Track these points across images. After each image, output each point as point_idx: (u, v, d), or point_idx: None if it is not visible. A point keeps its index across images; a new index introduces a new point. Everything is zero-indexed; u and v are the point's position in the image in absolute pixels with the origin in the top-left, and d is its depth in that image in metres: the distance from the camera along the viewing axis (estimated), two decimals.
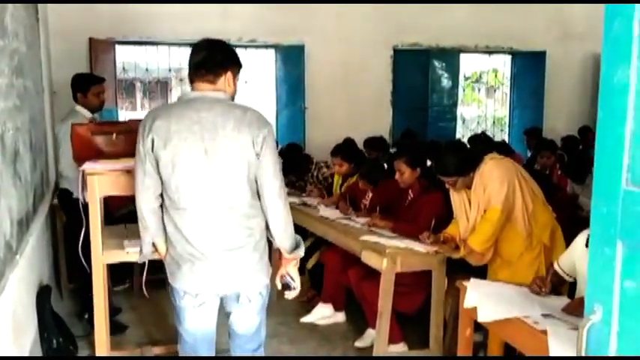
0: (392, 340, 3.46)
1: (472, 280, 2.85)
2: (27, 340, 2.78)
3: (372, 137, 6.07)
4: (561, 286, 2.83)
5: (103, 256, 2.74)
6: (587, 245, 2.00)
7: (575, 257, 2.72)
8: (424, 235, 3.52)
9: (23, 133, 2.98)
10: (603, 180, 1.36)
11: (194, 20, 6.09)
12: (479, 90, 9.52)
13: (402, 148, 5.26)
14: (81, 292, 4.00)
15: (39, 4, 4.27)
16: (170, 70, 6.89)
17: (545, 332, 2.21)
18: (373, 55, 7.02)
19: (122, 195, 2.76)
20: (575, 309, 2.35)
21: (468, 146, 5.13)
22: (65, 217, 4.16)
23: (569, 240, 2.92)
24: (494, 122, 8.33)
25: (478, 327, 2.85)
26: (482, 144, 5.33)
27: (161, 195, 2.25)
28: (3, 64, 2.48)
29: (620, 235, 1.32)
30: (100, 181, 2.68)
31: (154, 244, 2.36)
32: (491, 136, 7.33)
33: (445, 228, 3.54)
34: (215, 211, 2.18)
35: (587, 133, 6.59)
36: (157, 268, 2.63)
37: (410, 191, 3.93)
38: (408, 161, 3.84)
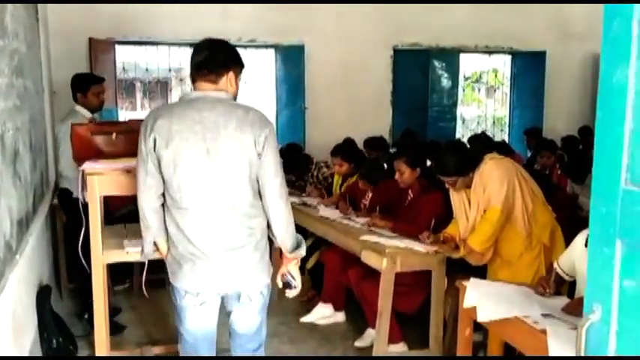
0: (392, 340, 3.46)
1: (472, 279, 2.85)
2: (27, 340, 2.78)
3: (372, 137, 6.07)
4: (561, 286, 2.83)
5: (102, 255, 2.74)
6: (586, 245, 2.00)
7: (574, 257, 2.72)
8: (424, 235, 3.52)
9: (23, 133, 2.98)
10: (602, 179, 1.36)
11: (194, 20, 6.08)
12: (479, 90, 9.51)
13: (401, 148, 5.26)
14: (81, 292, 4.00)
15: (39, 4, 4.27)
16: (170, 70, 6.89)
17: (544, 332, 2.21)
18: (373, 55, 7.02)
19: (122, 195, 2.77)
20: (575, 309, 2.35)
21: (468, 146, 5.13)
22: (65, 217, 4.16)
23: (569, 240, 2.93)
24: (494, 122, 8.33)
25: (478, 327, 2.85)
26: (482, 144, 5.33)
27: (163, 194, 2.25)
28: (3, 64, 2.48)
29: (619, 234, 1.32)
30: (100, 181, 2.69)
31: (155, 244, 2.36)
32: (491, 136, 7.32)
33: (445, 228, 3.54)
34: (216, 211, 2.18)
35: (587, 133, 6.60)
36: (156, 267, 2.64)
37: (410, 191, 3.93)
38: (407, 161, 3.85)
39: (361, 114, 6.91)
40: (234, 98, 2.28)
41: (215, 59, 2.21)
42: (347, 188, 4.72)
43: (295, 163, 5.31)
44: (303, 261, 3.52)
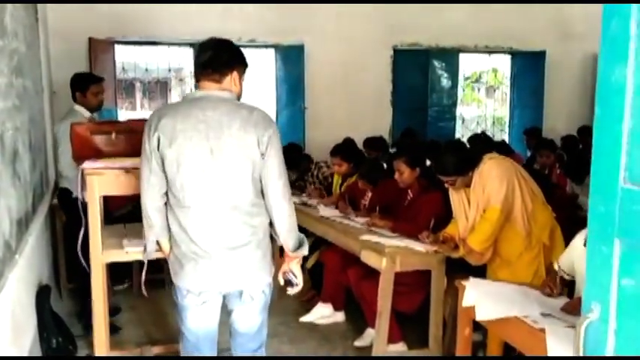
0: (391, 340, 3.46)
1: (471, 279, 2.85)
2: (26, 339, 2.78)
3: (372, 137, 6.07)
4: (565, 286, 2.83)
5: (102, 255, 2.74)
6: (585, 245, 2.00)
7: (573, 257, 2.72)
8: (423, 234, 3.52)
9: (22, 132, 2.97)
10: (601, 178, 1.36)
11: (194, 20, 6.09)
12: (478, 90, 9.51)
13: (401, 147, 5.26)
14: (80, 292, 4.00)
15: (38, 4, 4.27)
16: (170, 70, 6.90)
17: (544, 331, 2.22)
18: (373, 55, 7.02)
19: (122, 195, 2.77)
20: (574, 308, 2.35)
21: (468, 146, 5.13)
22: (65, 217, 4.16)
23: (568, 239, 2.93)
24: (493, 122, 8.32)
25: (477, 326, 2.85)
26: (482, 144, 5.33)
27: (166, 193, 2.26)
28: (2, 64, 2.48)
29: (617, 233, 1.32)
30: (100, 181, 2.69)
31: (157, 243, 2.36)
32: (491, 135, 7.32)
33: (444, 227, 3.54)
34: (219, 210, 2.19)
35: (586, 133, 6.59)
36: (156, 267, 2.64)
37: (409, 191, 3.94)
38: (407, 161, 3.85)
39: (361, 114, 6.91)
40: (238, 98, 2.29)
41: (219, 59, 2.23)
42: (347, 188, 4.72)
43: (295, 162, 5.32)
44: (303, 260, 3.52)
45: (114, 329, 3.88)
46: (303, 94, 6.79)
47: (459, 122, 7.85)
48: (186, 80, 7.91)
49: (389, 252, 3.32)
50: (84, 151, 2.94)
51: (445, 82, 7.50)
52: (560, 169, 5.33)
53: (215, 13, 6.20)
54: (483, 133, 7.13)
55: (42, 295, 3.15)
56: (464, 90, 8.43)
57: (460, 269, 3.35)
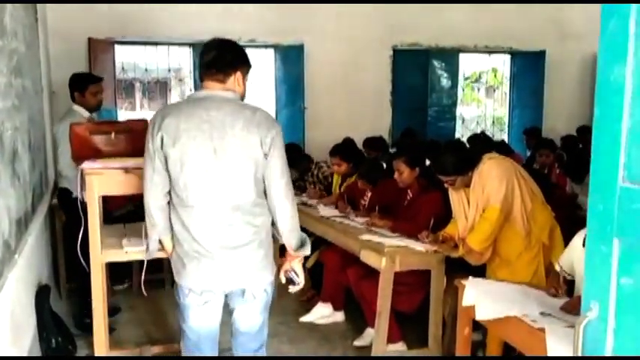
0: (391, 340, 3.46)
1: (471, 278, 2.85)
2: (26, 339, 2.78)
3: (372, 137, 6.07)
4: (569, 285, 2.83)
5: (101, 255, 2.75)
6: (584, 245, 2.01)
7: (573, 257, 2.73)
8: (423, 234, 3.52)
9: (22, 132, 2.98)
10: (600, 177, 1.36)
11: (193, 20, 6.09)
12: (478, 90, 9.52)
13: (401, 147, 5.26)
14: (79, 292, 4.00)
15: (38, 4, 4.27)
16: (169, 70, 6.89)
17: (543, 330, 2.21)
18: (373, 55, 7.02)
19: (121, 194, 2.77)
20: (574, 307, 2.35)
21: (468, 146, 5.14)
22: (64, 217, 4.16)
23: (568, 239, 2.93)
24: (493, 122, 8.33)
25: (477, 326, 2.85)
26: (482, 144, 5.33)
27: (169, 192, 2.26)
28: (2, 64, 2.48)
29: (616, 232, 1.32)
30: (99, 180, 2.69)
31: (160, 242, 2.37)
32: (491, 135, 7.33)
33: (444, 227, 3.55)
34: (222, 209, 2.20)
35: (585, 133, 6.59)
36: (156, 267, 2.64)
37: (409, 191, 3.94)
38: (407, 161, 3.85)
39: (361, 114, 6.91)
40: (242, 98, 2.30)
41: (223, 59, 2.24)
42: (346, 188, 4.72)
43: (296, 162, 5.32)
44: (304, 260, 3.53)
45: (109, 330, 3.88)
46: (302, 94, 6.79)
47: (458, 122, 7.85)
48: (186, 80, 7.92)
49: (388, 252, 3.32)
50: (83, 151, 2.94)
51: (445, 82, 7.50)
52: (559, 169, 5.33)
53: (215, 13, 6.20)
54: (483, 133, 7.13)
55: (41, 295, 3.15)
56: (464, 90, 8.43)
57: (460, 269, 3.35)
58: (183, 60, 6.69)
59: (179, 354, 2.49)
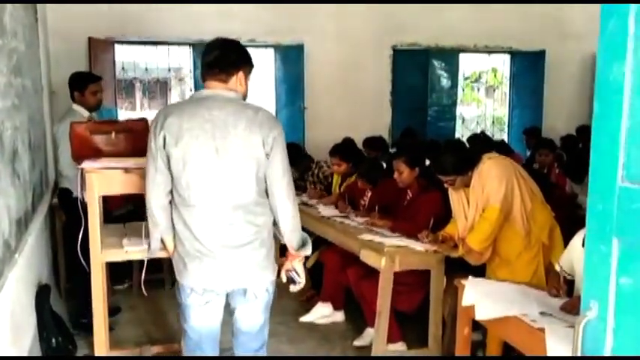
0: (391, 339, 3.47)
1: (470, 278, 2.85)
2: (26, 339, 2.78)
3: (372, 137, 6.07)
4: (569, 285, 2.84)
5: (101, 254, 2.75)
6: (583, 245, 2.01)
7: (573, 257, 2.73)
8: (423, 234, 3.53)
9: (22, 132, 2.98)
10: (599, 177, 1.37)
11: (193, 20, 6.09)
12: (478, 90, 9.51)
13: (401, 147, 5.26)
14: (75, 292, 4.00)
15: (38, 4, 4.27)
16: (169, 70, 6.90)
17: (543, 330, 2.22)
18: (372, 54, 7.03)
19: (121, 194, 2.77)
20: (573, 307, 2.35)
21: (467, 146, 5.14)
22: (65, 216, 4.16)
23: (567, 239, 2.93)
24: (493, 122, 8.33)
25: (477, 326, 2.85)
26: (482, 144, 5.34)
27: (171, 192, 2.26)
28: (1, 64, 2.48)
29: (615, 232, 1.32)
30: (99, 180, 2.69)
31: (162, 241, 2.37)
32: (491, 135, 7.33)
33: (444, 227, 3.55)
34: (224, 209, 2.20)
35: (584, 133, 6.59)
36: (156, 267, 2.64)
37: (409, 191, 3.94)
38: (406, 161, 3.85)
39: (360, 114, 6.91)
40: (244, 98, 2.31)
41: (226, 59, 2.24)
42: (346, 188, 4.72)
43: (296, 162, 5.32)
44: (304, 260, 3.54)
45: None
46: (302, 93, 6.79)
47: (458, 122, 7.85)
48: (186, 80, 7.91)
49: (388, 251, 3.32)
50: (83, 151, 2.94)
51: (445, 81, 7.50)
52: (559, 169, 5.33)
53: (215, 13, 6.20)
54: (483, 132, 7.13)
55: (42, 295, 3.15)
56: (463, 90, 8.43)
57: (459, 269, 3.35)
58: (184, 60, 6.69)
59: (179, 354, 2.50)
